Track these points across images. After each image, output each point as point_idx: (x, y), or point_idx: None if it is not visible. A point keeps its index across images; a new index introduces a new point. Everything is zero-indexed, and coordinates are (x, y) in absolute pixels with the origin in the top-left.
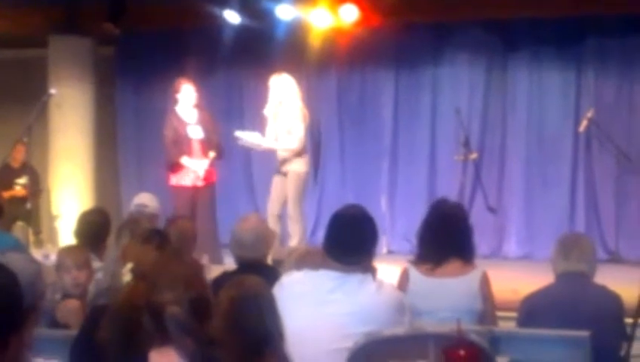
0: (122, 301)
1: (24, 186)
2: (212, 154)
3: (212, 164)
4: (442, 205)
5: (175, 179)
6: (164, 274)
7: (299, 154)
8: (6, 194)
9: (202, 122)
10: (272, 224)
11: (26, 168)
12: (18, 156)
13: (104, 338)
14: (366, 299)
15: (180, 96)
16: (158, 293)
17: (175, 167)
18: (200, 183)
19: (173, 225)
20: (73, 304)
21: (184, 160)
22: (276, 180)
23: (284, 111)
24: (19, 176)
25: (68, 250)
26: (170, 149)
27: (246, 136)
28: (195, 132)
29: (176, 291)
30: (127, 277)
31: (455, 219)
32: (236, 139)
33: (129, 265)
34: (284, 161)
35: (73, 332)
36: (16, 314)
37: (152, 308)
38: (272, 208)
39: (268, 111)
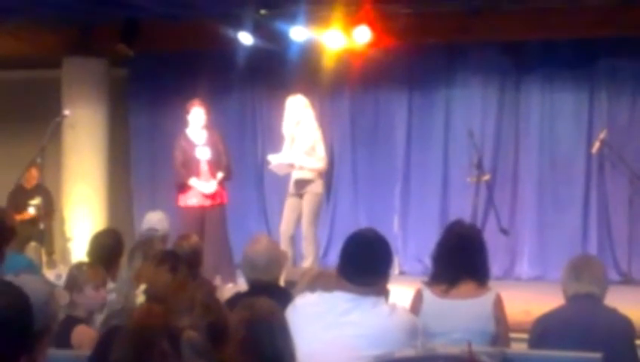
0: (136, 322)
1: (37, 207)
2: (220, 175)
3: (221, 185)
4: (457, 226)
5: (183, 200)
6: (181, 298)
7: (320, 175)
8: (18, 217)
9: (211, 143)
10: (285, 245)
11: (39, 189)
12: (31, 177)
13: (117, 359)
14: (379, 322)
15: (189, 117)
16: (176, 317)
17: (183, 188)
18: (207, 203)
19: (180, 243)
20: (86, 331)
21: (192, 181)
22: (290, 201)
23: (301, 132)
24: (32, 197)
25: (87, 268)
26: (179, 171)
27: (277, 159)
28: (204, 153)
29: (194, 315)
30: (140, 298)
31: (470, 241)
32: (268, 163)
33: (142, 287)
34: (302, 182)
35: (86, 353)
36: (28, 336)
37: (170, 332)
38: (286, 229)
39: (286, 131)
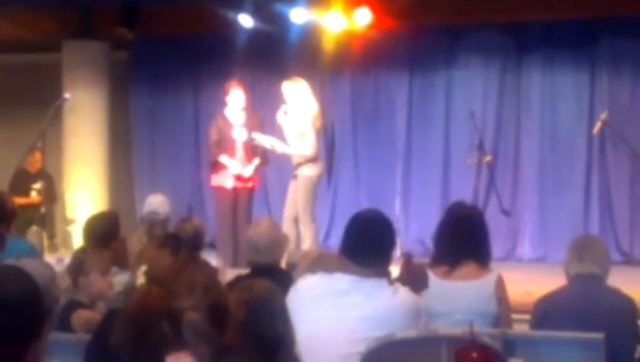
0: (135, 304)
1: (40, 191)
2: (256, 160)
3: (257, 170)
4: (459, 208)
5: (216, 180)
6: (182, 280)
7: (311, 159)
8: (22, 201)
9: (249, 125)
10: (288, 227)
11: (41, 173)
12: (34, 161)
13: (117, 341)
14: (381, 304)
15: (228, 98)
16: (177, 300)
17: (216, 166)
18: (239, 185)
19: (182, 225)
20: (86, 315)
21: (223, 158)
22: (291, 184)
23: (295, 116)
24: (34, 181)
25: (93, 253)
26: (212, 148)
27: (262, 139)
28: (240, 134)
29: (195, 297)
30: (141, 279)
31: (471, 222)
32: (252, 139)
33: (143, 268)
34: (297, 166)
35: (88, 336)
36: (37, 320)
37: (171, 314)
38: (288, 212)
39: (280, 117)
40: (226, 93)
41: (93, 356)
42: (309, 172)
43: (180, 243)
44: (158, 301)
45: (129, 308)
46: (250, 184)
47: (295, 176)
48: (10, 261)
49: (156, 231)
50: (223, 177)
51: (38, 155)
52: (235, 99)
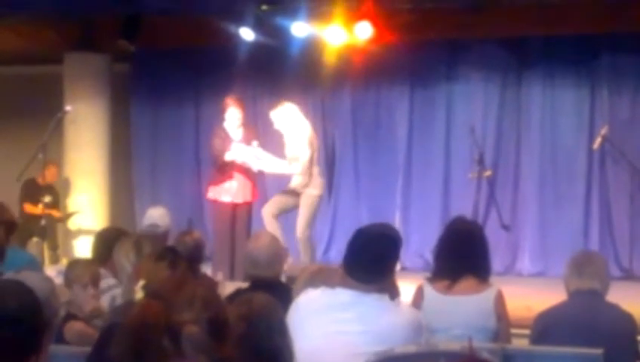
0: (134, 319)
1: (47, 205)
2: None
3: (254, 184)
4: (459, 222)
5: (212, 193)
6: (181, 293)
7: (308, 180)
8: (33, 210)
9: (247, 141)
10: (269, 222)
11: (50, 188)
12: (50, 175)
13: (116, 356)
14: (382, 319)
15: (226, 115)
16: (176, 313)
17: (223, 169)
18: (239, 201)
19: (183, 238)
20: (75, 327)
21: (228, 155)
22: (285, 191)
23: (289, 142)
24: (44, 194)
25: (79, 266)
26: (217, 154)
27: (241, 150)
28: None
29: (194, 311)
30: (139, 294)
31: (472, 237)
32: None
33: (141, 282)
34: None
35: (81, 348)
36: (37, 333)
37: (170, 328)
38: (270, 207)
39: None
40: (223, 109)
41: None
42: (313, 191)
43: (178, 257)
44: (158, 315)
45: (128, 322)
46: (249, 198)
47: (297, 193)
48: (10, 274)
49: (144, 244)
50: (220, 191)
51: (54, 170)
52: (231, 118)
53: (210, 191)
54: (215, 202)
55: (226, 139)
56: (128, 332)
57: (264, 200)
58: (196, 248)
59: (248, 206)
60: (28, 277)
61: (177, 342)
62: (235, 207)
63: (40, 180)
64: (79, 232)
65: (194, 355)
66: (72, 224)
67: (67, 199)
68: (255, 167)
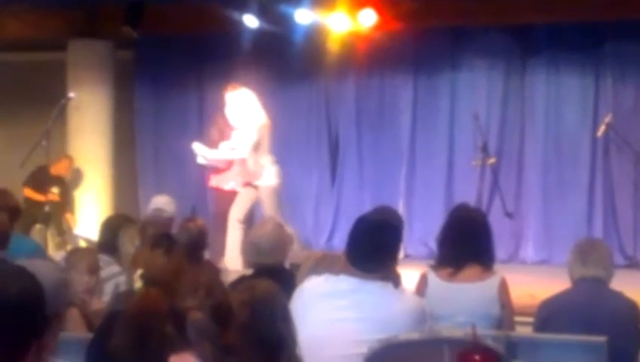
0: (135, 307)
1: (56, 195)
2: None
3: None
4: (463, 210)
5: (215, 181)
6: (183, 279)
7: (255, 167)
8: (36, 196)
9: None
10: (233, 228)
11: (60, 180)
12: (62, 167)
13: (117, 344)
14: (386, 306)
15: (227, 100)
16: (180, 299)
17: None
18: (240, 189)
19: (187, 225)
20: (73, 313)
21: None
22: (244, 191)
23: (237, 126)
24: (52, 184)
25: (76, 253)
26: (212, 142)
27: (200, 150)
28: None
29: (198, 297)
30: (138, 283)
31: (475, 225)
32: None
33: (139, 272)
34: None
35: (84, 336)
36: (39, 320)
37: (175, 314)
38: (234, 213)
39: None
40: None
41: (95, 356)
42: (269, 182)
43: (173, 243)
44: (158, 302)
45: (129, 311)
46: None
47: (254, 186)
48: (20, 261)
49: (149, 230)
50: (222, 179)
51: (67, 162)
52: (231, 104)
53: (213, 179)
54: (217, 190)
55: (225, 127)
56: (129, 321)
57: None
58: (200, 235)
59: None
60: (38, 266)
61: (182, 328)
62: (235, 195)
63: (52, 170)
64: (82, 219)
65: (198, 341)
66: (75, 211)
67: (76, 191)
68: (212, 156)
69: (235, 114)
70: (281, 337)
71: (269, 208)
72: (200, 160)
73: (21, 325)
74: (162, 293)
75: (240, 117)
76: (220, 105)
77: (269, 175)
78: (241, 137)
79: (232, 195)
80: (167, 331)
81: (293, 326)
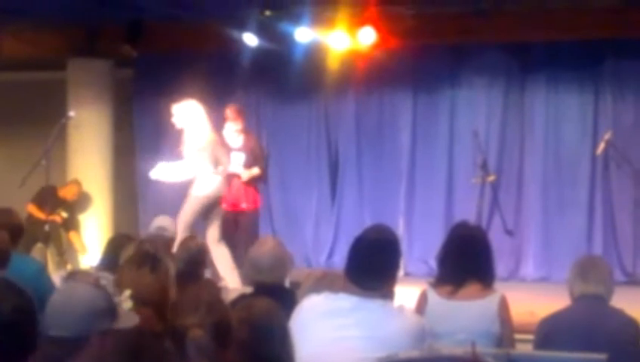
0: (129, 329)
1: (63, 219)
2: (255, 170)
3: (255, 189)
4: (462, 228)
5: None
6: (186, 297)
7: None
8: (44, 215)
9: (247, 148)
10: (214, 249)
11: (67, 204)
12: (70, 192)
13: None
14: (385, 324)
15: (225, 125)
16: (181, 317)
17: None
18: (243, 207)
19: (186, 243)
20: None
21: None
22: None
23: (190, 137)
24: (59, 207)
25: (79, 275)
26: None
27: (161, 172)
28: (238, 158)
29: (199, 315)
30: (127, 304)
31: (475, 242)
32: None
33: (127, 292)
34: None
35: None
36: (32, 336)
37: (174, 332)
38: (212, 232)
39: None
40: (225, 118)
41: None
42: (198, 192)
43: (157, 260)
44: (150, 321)
45: (122, 333)
46: (244, 206)
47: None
48: (62, 285)
49: (145, 247)
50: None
51: (75, 188)
52: (229, 130)
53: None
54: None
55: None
56: (123, 344)
57: (266, 206)
58: (199, 253)
59: (253, 212)
60: (83, 290)
61: (181, 345)
62: (236, 213)
63: (61, 192)
64: (83, 237)
65: (197, 359)
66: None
67: (82, 215)
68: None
69: (184, 125)
70: (279, 356)
71: (184, 213)
72: (157, 174)
73: (17, 342)
74: (153, 313)
75: (188, 129)
76: (219, 124)
77: (201, 186)
78: (197, 155)
79: (234, 215)
80: (164, 349)
81: (291, 345)
